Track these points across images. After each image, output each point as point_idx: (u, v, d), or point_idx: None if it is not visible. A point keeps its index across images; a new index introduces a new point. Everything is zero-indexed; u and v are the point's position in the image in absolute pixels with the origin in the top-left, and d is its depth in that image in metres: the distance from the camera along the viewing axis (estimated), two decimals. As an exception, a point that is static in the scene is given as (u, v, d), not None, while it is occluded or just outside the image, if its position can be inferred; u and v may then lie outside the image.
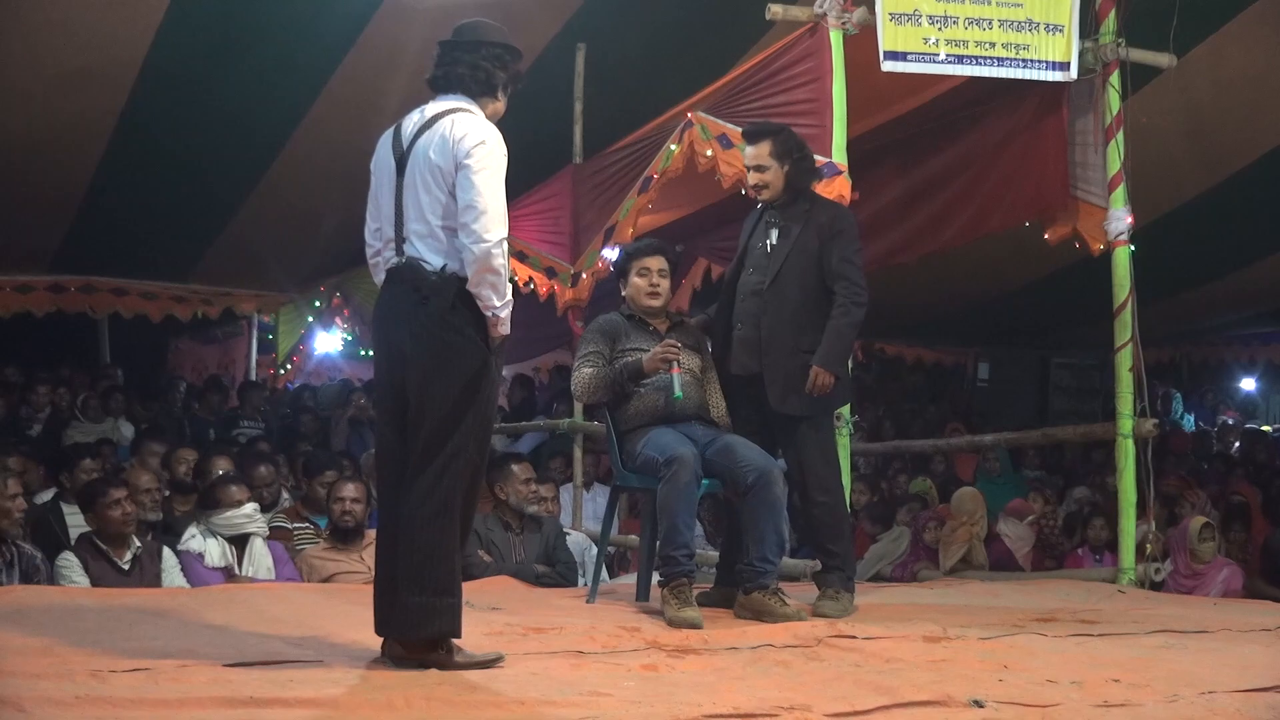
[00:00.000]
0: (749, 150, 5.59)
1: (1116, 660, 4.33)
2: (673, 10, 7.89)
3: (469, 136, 4.07)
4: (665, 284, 5.71)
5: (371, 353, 6.24)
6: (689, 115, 6.73)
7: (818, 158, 5.98)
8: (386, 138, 4.29)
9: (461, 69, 4.25)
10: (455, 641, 4.04)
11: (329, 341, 15.41)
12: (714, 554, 7.60)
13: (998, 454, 10.53)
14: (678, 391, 5.41)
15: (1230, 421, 15.42)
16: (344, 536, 6.61)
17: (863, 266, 5.49)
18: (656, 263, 5.71)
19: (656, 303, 5.71)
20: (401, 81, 7.84)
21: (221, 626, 4.55)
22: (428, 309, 4.04)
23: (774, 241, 5.52)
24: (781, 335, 5.42)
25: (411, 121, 4.23)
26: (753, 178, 5.58)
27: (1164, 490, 7.78)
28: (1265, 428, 15.63)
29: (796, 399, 5.38)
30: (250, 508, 6.55)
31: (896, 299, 9.72)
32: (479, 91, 4.27)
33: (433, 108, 4.22)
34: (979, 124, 7.13)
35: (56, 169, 9.35)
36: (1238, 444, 13.38)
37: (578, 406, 8.72)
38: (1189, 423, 15.11)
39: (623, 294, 5.83)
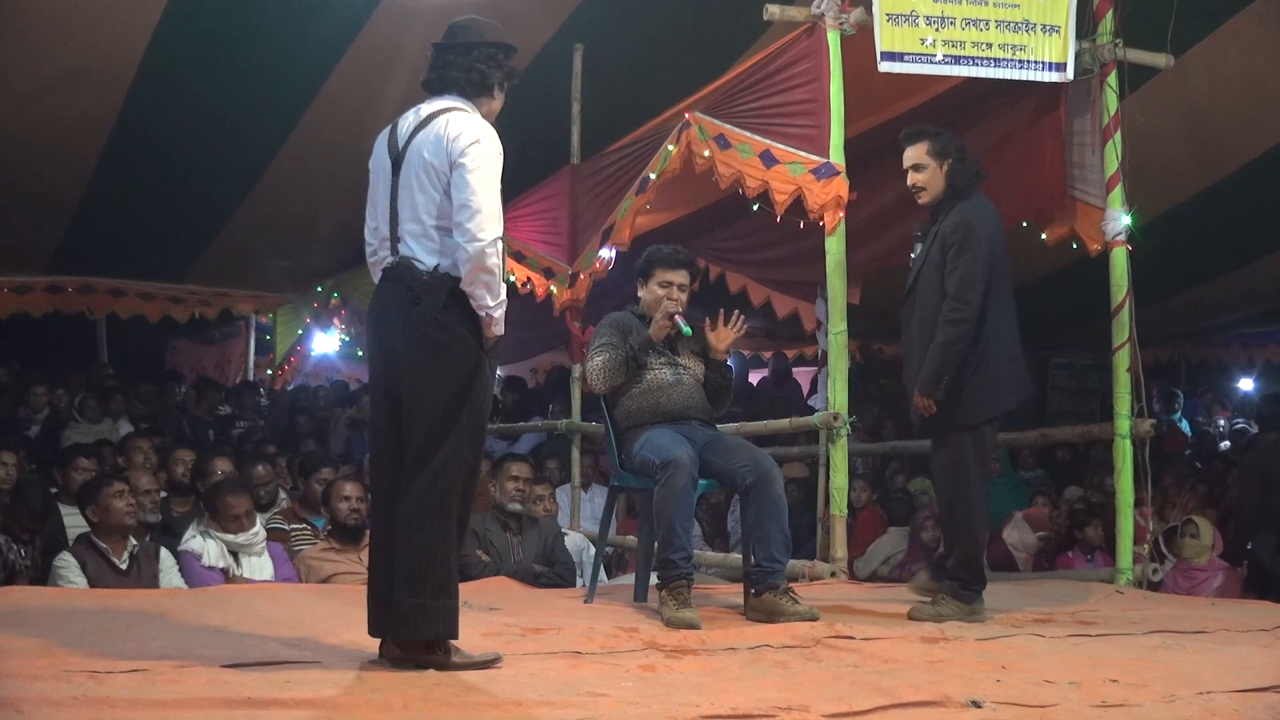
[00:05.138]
0: (906, 151, 5.54)
1: (1114, 660, 4.34)
2: (670, 11, 7.89)
3: (464, 135, 4.06)
4: (683, 299, 5.71)
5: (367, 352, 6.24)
6: (687, 116, 6.73)
7: (814, 158, 5.99)
8: (383, 137, 4.28)
9: (455, 72, 4.25)
10: (453, 642, 4.04)
11: (327, 342, 15.38)
12: (713, 554, 7.63)
13: (997, 454, 10.50)
14: (686, 328, 5.55)
15: (1223, 422, 15.39)
16: (346, 535, 6.60)
17: (975, 276, 5.25)
18: (679, 276, 5.71)
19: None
20: (399, 83, 7.84)
21: (219, 627, 4.54)
22: (420, 308, 4.04)
23: (915, 254, 5.55)
24: (914, 351, 5.44)
25: (407, 121, 4.22)
26: (910, 179, 5.53)
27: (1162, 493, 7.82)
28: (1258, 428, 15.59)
29: (920, 416, 5.43)
30: (249, 533, 6.49)
31: (894, 300, 9.70)
32: (474, 92, 4.26)
33: (428, 107, 4.21)
34: (976, 124, 7.13)
35: (54, 169, 9.35)
36: (1226, 443, 13.38)
37: (575, 407, 8.72)
38: (1184, 425, 15.08)
39: (639, 295, 5.83)
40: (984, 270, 5.26)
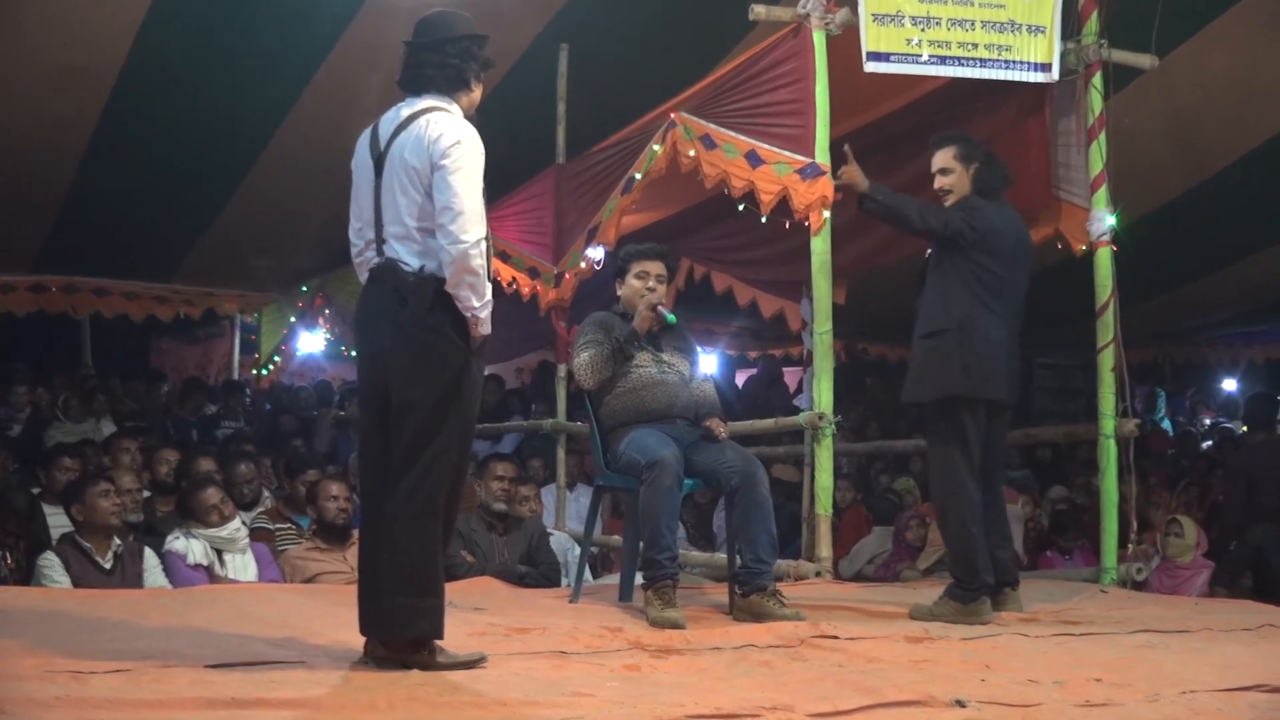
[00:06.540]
0: (935, 156, 5.65)
1: (1098, 660, 4.35)
2: (656, 10, 7.87)
3: (445, 136, 4.05)
4: (662, 289, 5.73)
5: (355, 353, 6.23)
6: (672, 115, 6.73)
7: (799, 158, 6.00)
8: (365, 137, 4.27)
9: (431, 70, 4.22)
10: (438, 642, 4.04)
11: (312, 342, 15.34)
12: (698, 554, 7.62)
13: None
14: (670, 316, 5.61)
15: (1207, 421, 15.44)
16: (331, 535, 6.59)
17: (949, 214, 5.52)
18: (655, 267, 5.75)
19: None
20: (385, 80, 7.80)
21: (203, 627, 4.53)
22: (407, 310, 4.04)
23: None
24: (915, 345, 5.62)
25: (388, 121, 4.21)
26: (937, 182, 5.65)
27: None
28: (1245, 428, 15.64)
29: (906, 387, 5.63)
30: (231, 528, 6.48)
31: (879, 300, 9.72)
32: (452, 89, 4.24)
33: (408, 107, 4.20)
34: (962, 125, 7.11)
35: (38, 168, 9.29)
36: (1208, 443, 13.43)
37: (561, 406, 8.71)
38: (1166, 424, 15.13)
39: (618, 293, 5.84)
40: (960, 223, 5.43)
